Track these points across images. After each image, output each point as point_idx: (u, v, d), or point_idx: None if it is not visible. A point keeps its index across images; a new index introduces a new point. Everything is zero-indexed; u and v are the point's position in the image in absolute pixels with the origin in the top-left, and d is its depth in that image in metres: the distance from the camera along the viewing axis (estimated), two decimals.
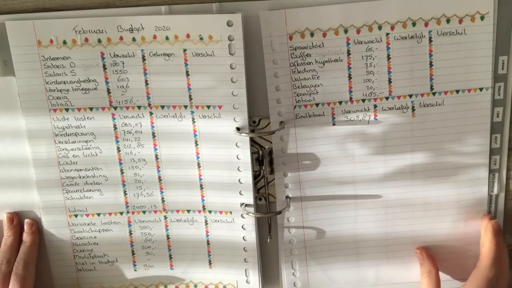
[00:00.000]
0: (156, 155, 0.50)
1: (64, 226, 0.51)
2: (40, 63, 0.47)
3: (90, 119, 0.49)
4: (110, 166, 0.50)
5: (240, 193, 0.50)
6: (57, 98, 0.48)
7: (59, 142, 0.49)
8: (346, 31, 0.46)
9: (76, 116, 0.48)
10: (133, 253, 0.52)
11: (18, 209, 0.51)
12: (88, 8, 0.46)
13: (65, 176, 0.50)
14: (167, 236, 0.52)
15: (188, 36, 0.46)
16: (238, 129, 0.48)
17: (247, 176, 0.49)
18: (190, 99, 0.48)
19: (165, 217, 0.51)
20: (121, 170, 0.50)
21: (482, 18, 0.45)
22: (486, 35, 0.46)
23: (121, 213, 0.51)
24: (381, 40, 0.47)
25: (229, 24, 0.45)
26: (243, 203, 0.50)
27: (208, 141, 0.49)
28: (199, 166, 0.50)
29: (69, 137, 0.49)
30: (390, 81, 0.48)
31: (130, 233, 0.52)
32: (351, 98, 0.48)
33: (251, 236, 0.51)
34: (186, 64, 0.47)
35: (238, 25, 0.45)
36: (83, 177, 0.50)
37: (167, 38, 0.46)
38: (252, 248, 0.51)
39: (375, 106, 0.48)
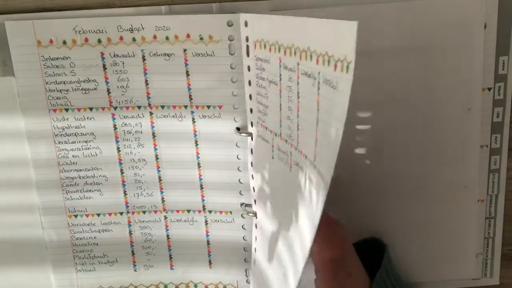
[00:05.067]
0: (156, 155, 0.50)
1: (64, 227, 0.51)
2: (40, 63, 0.47)
3: (90, 119, 0.48)
4: (110, 166, 0.50)
5: (240, 193, 0.50)
6: (57, 98, 0.48)
7: (59, 142, 0.49)
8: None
9: (76, 116, 0.48)
10: (133, 253, 0.52)
11: (18, 209, 0.51)
12: (88, 8, 0.46)
13: (64, 176, 0.50)
14: (167, 236, 0.52)
15: (188, 36, 0.46)
16: (238, 129, 0.48)
17: (247, 176, 0.49)
18: (190, 99, 0.48)
19: (165, 217, 0.51)
20: (121, 170, 0.50)
21: None
22: None
23: (121, 213, 0.51)
24: None
25: (229, 24, 0.45)
26: (243, 203, 0.50)
27: (208, 141, 0.49)
28: (199, 166, 0.50)
29: (68, 137, 0.49)
30: None
31: (130, 233, 0.52)
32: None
33: (251, 236, 0.51)
34: (186, 64, 0.47)
35: (238, 25, 0.45)
36: (83, 178, 0.50)
37: (167, 38, 0.46)
38: (252, 248, 0.51)
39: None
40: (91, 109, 0.48)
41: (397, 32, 0.47)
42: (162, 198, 0.51)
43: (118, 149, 0.49)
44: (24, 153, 0.49)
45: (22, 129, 0.49)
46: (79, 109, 0.48)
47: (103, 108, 0.48)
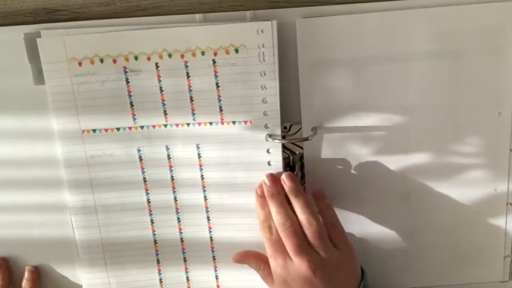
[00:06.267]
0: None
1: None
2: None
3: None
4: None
5: None
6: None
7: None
8: None
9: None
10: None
11: (49, 209, 0.51)
12: (88, 7, 0.47)
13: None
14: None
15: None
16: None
17: None
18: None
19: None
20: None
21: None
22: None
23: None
24: None
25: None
26: None
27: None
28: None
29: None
30: None
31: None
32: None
33: None
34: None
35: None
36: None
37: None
38: None
39: None
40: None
41: (428, 37, 0.47)
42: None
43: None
44: (55, 153, 0.49)
45: (53, 131, 0.49)
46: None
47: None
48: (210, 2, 0.47)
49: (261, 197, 0.48)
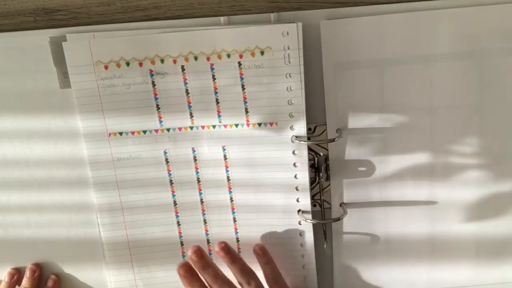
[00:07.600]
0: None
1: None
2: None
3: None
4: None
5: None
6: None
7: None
8: None
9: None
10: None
11: (73, 208, 0.51)
12: (88, 7, 0.47)
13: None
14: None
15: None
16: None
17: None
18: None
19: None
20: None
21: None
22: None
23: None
24: None
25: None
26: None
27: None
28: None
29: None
30: None
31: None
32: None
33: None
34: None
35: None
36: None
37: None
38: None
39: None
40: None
41: (452, 38, 0.47)
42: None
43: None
44: (82, 154, 0.50)
45: (79, 132, 0.49)
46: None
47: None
48: (210, 2, 0.47)
49: (186, 276, 0.49)
